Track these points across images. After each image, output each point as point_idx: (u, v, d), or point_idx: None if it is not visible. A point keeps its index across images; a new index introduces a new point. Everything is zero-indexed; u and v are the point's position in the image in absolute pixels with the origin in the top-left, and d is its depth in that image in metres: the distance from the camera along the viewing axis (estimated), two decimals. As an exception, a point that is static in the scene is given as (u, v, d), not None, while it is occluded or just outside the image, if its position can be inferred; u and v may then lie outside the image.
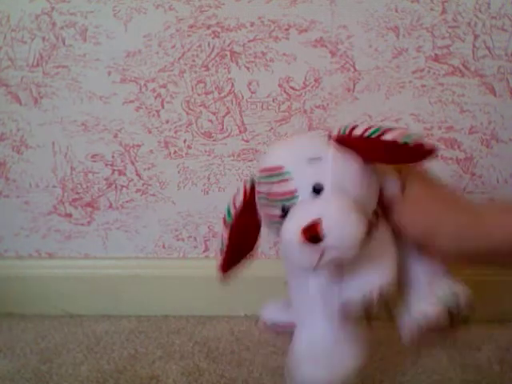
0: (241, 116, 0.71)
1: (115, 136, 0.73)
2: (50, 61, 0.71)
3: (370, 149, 0.44)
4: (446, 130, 0.70)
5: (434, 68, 0.68)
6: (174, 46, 0.69)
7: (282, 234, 0.44)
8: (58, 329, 0.74)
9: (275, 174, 0.46)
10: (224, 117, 0.72)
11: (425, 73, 0.68)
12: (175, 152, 0.73)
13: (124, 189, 0.75)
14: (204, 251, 0.77)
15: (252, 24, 0.68)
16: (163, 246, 0.77)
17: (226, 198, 0.74)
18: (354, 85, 0.69)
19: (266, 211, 0.48)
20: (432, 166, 0.71)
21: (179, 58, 0.70)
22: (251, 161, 0.73)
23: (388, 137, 0.43)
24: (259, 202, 0.49)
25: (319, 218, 0.41)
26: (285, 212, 0.45)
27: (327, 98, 0.70)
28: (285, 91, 0.70)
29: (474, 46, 0.67)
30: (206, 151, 0.73)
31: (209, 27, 0.68)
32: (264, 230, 0.51)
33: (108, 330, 0.73)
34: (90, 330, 0.74)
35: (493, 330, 0.69)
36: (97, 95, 0.72)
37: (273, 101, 0.71)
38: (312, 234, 0.41)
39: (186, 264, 0.77)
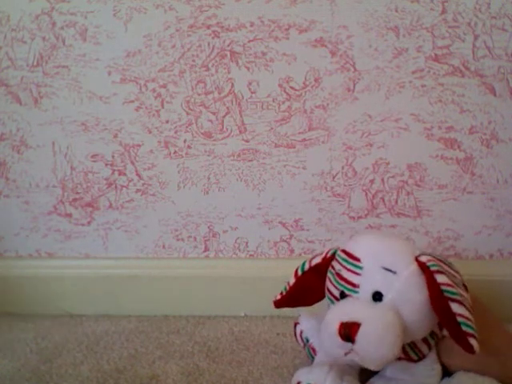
0: (241, 116, 0.71)
1: (115, 136, 0.73)
2: (49, 61, 0.71)
3: (437, 300, 0.46)
4: (446, 130, 0.70)
5: (434, 68, 0.68)
6: (174, 46, 0.69)
7: (327, 315, 0.48)
8: (58, 329, 0.74)
9: (351, 261, 0.50)
10: (224, 117, 0.72)
11: (425, 73, 0.68)
12: (175, 152, 0.73)
13: (124, 189, 0.75)
14: (204, 251, 0.77)
15: (252, 24, 0.68)
16: (163, 246, 0.77)
17: (226, 197, 0.75)
18: (354, 85, 0.69)
19: (329, 286, 0.52)
20: (432, 166, 0.71)
21: (179, 58, 0.70)
22: (251, 161, 0.73)
23: (454, 308, 0.45)
24: (328, 275, 0.53)
25: (360, 323, 0.45)
26: (342, 298, 0.50)
27: (327, 97, 0.70)
28: (285, 91, 0.70)
29: (474, 45, 0.67)
30: (205, 151, 0.73)
31: (209, 27, 0.68)
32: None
33: (108, 330, 0.73)
34: (90, 329, 0.73)
35: None
36: (97, 95, 0.72)
37: (273, 101, 0.70)
38: (347, 332, 0.45)
39: (186, 264, 0.77)
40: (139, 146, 0.74)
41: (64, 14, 0.69)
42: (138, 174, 0.75)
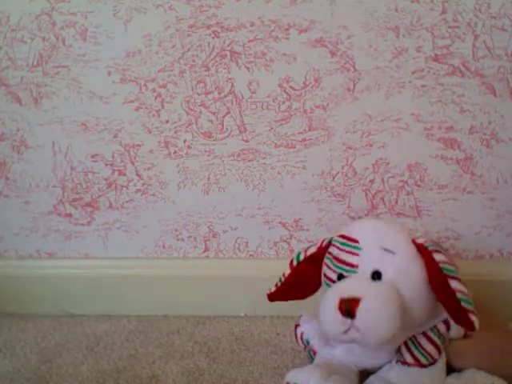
0: (241, 116, 0.71)
1: (115, 136, 0.73)
2: (49, 61, 0.71)
3: (436, 278, 0.47)
4: (446, 130, 0.70)
5: (434, 68, 0.68)
6: (173, 46, 0.69)
7: (326, 293, 0.49)
8: (58, 329, 0.74)
9: (349, 244, 0.51)
10: (224, 117, 0.72)
11: (425, 73, 0.68)
12: (175, 152, 0.73)
13: (124, 189, 0.75)
14: (204, 251, 0.77)
15: (252, 24, 0.68)
16: (163, 246, 0.77)
17: (226, 197, 0.75)
18: (354, 85, 0.69)
19: (326, 271, 0.52)
20: (432, 166, 0.71)
21: (179, 58, 0.70)
22: (251, 161, 0.73)
23: (453, 284, 0.46)
24: (325, 261, 0.53)
25: (360, 298, 0.45)
26: (339, 279, 0.50)
27: (327, 97, 0.70)
28: (285, 91, 0.70)
29: (474, 45, 0.67)
30: (206, 151, 0.73)
31: (209, 27, 0.68)
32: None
33: (108, 330, 0.73)
34: (90, 330, 0.74)
35: None
36: (97, 95, 0.72)
37: (273, 101, 0.70)
38: (347, 307, 0.45)
39: (186, 264, 0.77)
40: (139, 146, 0.74)
41: (64, 14, 0.69)
42: (138, 174, 0.75)
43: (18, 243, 0.79)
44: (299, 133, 0.71)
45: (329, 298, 0.48)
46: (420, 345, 0.50)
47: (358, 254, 0.49)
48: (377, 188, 0.73)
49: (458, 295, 0.45)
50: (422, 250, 0.48)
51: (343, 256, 0.50)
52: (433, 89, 0.68)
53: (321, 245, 0.54)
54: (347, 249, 0.51)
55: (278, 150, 0.72)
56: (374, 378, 0.52)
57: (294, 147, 0.72)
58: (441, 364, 0.50)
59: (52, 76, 0.71)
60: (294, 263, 0.55)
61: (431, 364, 0.50)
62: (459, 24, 0.66)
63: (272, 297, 0.57)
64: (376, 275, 0.48)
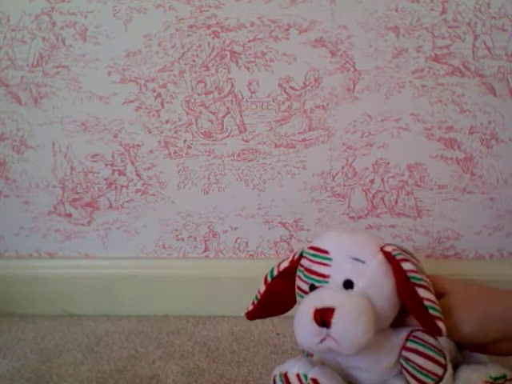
0: (241, 116, 0.71)
1: (115, 136, 0.73)
2: (49, 61, 0.71)
3: (404, 287, 0.48)
4: (446, 130, 0.70)
5: (434, 68, 0.68)
6: (173, 46, 0.69)
7: (299, 306, 0.49)
8: (58, 329, 0.74)
9: (319, 255, 0.51)
10: (224, 117, 0.72)
11: (425, 73, 0.68)
12: (175, 152, 0.73)
13: (124, 189, 0.75)
14: (204, 251, 0.77)
15: (252, 24, 0.68)
16: (163, 246, 0.78)
17: (226, 197, 0.75)
18: (354, 85, 0.69)
19: (298, 283, 0.52)
20: (432, 166, 0.71)
21: (179, 58, 0.70)
22: (251, 161, 0.73)
23: (421, 293, 0.47)
24: (297, 273, 0.53)
25: (334, 308, 0.46)
26: (311, 290, 0.50)
27: (327, 97, 0.70)
28: (285, 91, 0.70)
29: (474, 45, 0.67)
30: (206, 151, 0.73)
31: (209, 27, 0.68)
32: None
33: (108, 330, 0.73)
34: (90, 329, 0.74)
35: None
36: (97, 95, 0.72)
37: (273, 101, 0.70)
38: (322, 317, 0.45)
39: (186, 264, 0.77)
40: (139, 146, 0.74)
41: (64, 14, 0.69)
42: (137, 174, 0.75)
43: (17, 243, 0.79)
44: (299, 133, 0.71)
45: (303, 309, 0.48)
46: (420, 366, 0.49)
47: (329, 265, 0.50)
48: (377, 188, 0.73)
49: (426, 303, 0.46)
50: (391, 259, 0.49)
51: (314, 267, 0.50)
52: (433, 89, 0.68)
53: (293, 258, 0.54)
54: (318, 260, 0.51)
55: (278, 150, 0.72)
56: None
57: (294, 147, 0.72)
58: (448, 375, 0.50)
59: (52, 76, 0.71)
60: (269, 279, 0.55)
61: (439, 381, 0.48)
62: (459, 24, 0.66)
63: (250, 315, 0.57)
64: (348, 284, 0.49)
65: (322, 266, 0.50)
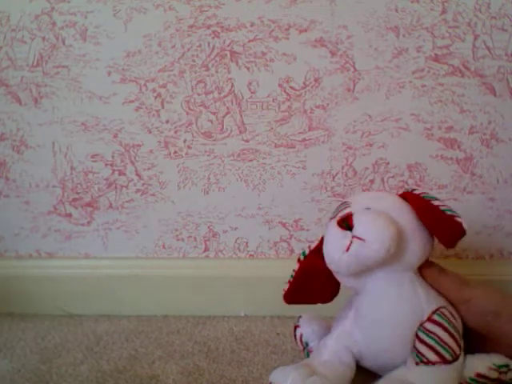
0: (241, 116, 0.71)
1: (115, 136, 0.73)
2: (49, 61, 0.71)
3: (416, 201, 0.52)
4: (446, 130, 0.70)
5: (434, 68, 0.68)
6: (173, 46, 0.69)
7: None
8: (58, 329, 0.74)
9: (341, 204, 0.55)
10: (224, 117, 0.72)
11: (425, 73, 0.68)
12: (175, 152, 0.73)
13: (124, 189, 0.76)
14: (204, 251, 0.77)
15: (252, 24, 0.68)
16: (163, 246, 0.78)
17: (226, 197, 0.75)
18: (354, 85, 0.69)
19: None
20: (432, 166, 0.71)
21: (179, 58, 0.70)
22: (251, 161, 0.73)
23: (435, 202, 0.51)
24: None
25: (353, 213, 0.49)
26: None
27: (327, 97, 0.70)
28: (285, 91, 0.70)
29: (474, 46, 0.67)
30: (206, 151, 0.73)
31: (209, 27, 0.68)
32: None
33: (108, 330, 0.73)
34: (90, 330, 0.74)
35: None
36: (97, 95, 0.72)
37: (273, 101, 0.71)
38: (344, 220, 0.49)
39: (186, 264, 0.77)
40: (139, 146, 0.74)
41: (64, 14, 0.69)
42: (137, 174, 0.75)
43: (17, 243, 0.79)
44: (299, 133, 0.71)
45: (328, 227, 0.52)
46: (441, 340, 0.49)
47: (348, 206, 0.53)
48: (377, 188, 0.73)
49: (441, 207, 0.50)
50: (406, 194, 0.53)
51: (340, 214, 0.52)
52: (433, 89, 0.69)
53: (322, 238, 0.55)
54: (341, 207, 0.54)
55: (278, 150, 0.72)
56: (389, 381, 0.50)
57: (294, 147, 0.72)
58: (461, 358, 0.50)
59: (52, 76, 0.71)
60: (301, 258, 0.56)
61: (455, 360, 0.49)
62: (459, 24, 0.66)
63: (287, 296, 0.57)
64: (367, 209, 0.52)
65: (345, 208, 0.53)
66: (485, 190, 0.72)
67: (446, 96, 0.69)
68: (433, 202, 0.51)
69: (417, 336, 0.49)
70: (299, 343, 0.61)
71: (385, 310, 0.51)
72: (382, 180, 0.72)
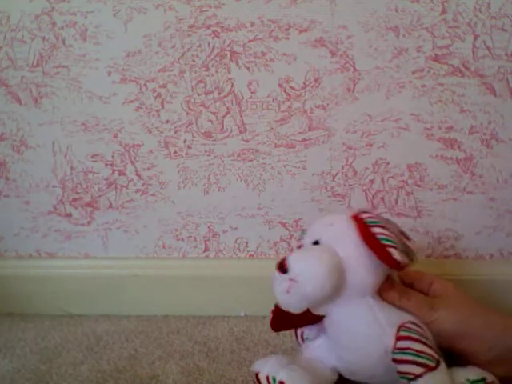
0: (241, 116, 0.71)
1: (115, 136, 0.73)
2: (49, 61, 0.71)
3: (359, 229, 0.51)
4: (446, 130, 0.70)
5: (434, 68, 0.68)
6: (173, 46, 0.70)
7: None
8: (58, 329, 0.74)
9: (301, 232, 0.57)
10: (224, 117, 0.72)
11: (425, 73, 0.68)
12: (175, 152, 0.73)
13: (124, 189, 0.76)
14: (204, 251, 0.77)
15: (252, 24, 0.68)
16: (163, 246, 0.78)
17: (226, 197, 0.75)
18: (354, 85, 0.69)
19: None
20: (432, 166, 0.71)
21: (179, 58, 0.70)
22: (251, 161, 0.73)
23: (375, 230, 0.50)
24: None
25: (288, 256, 0.50)
26: None
27: (327, 97, 0.70)
28: (285, 91, 0.70)
29: (474, 46, 0.67)
30: (206, 151, 0.73)
31: (209, 27, 0.68)
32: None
33: (108, 330, 0.73)
34: (90, 330, 0.74)
35: None
36: (97, 95, 0.72)
37: (273, 101, 0.71)
38: (280, 264, 0.50)
39: (186, 264, 0.77)
40: (139, 146, 0.74)
41: (64, 14, 0.69)
42: (137, 174, 0.75)
43: (17, 243, 0.79)
44: (299, 133, 0.71)
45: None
46: (417, 351, 0.48)
47: (303, 238, 0.55)
48: (377, 188, 0.73)
49: (379, 236, 0.49)
50: (353, 217, 0.52)
51: (298, 244, 0.55)
52: (433, 89, 0.69)
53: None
54: (301, 237, 0.56)
55: (278, 150, 0.72)
56: None
57: (294, 147, 0.72)
58: (443, 363, 0.50)
59: (52, 76, 0.71)
60: None
61: (438, 364, 0.48)
62: (459, 24, 0.66)
63: (274, 326, 0.58)
64: (315, 244, 0.52)
65: (301, 240, 0.55)
66: (485, 190, 0.72)
67: (446, 96, 0.69)
68: (373, 228, 0.50)
69: (394, 360, 0.49)
70: (300, 340, 0.61)
71: (347, 336, 0.52)
72: (382, 180, 0.72)
